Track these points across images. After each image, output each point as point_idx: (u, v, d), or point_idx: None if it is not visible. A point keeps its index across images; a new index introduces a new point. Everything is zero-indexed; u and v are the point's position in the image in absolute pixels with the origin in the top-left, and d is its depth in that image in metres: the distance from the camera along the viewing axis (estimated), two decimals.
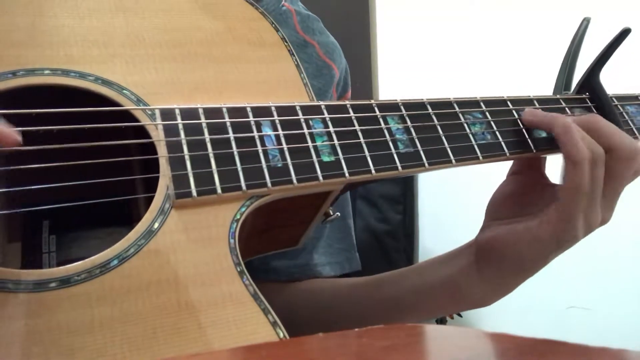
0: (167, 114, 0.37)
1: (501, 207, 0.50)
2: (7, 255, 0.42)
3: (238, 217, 0.36)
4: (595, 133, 0.45)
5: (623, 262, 1.41)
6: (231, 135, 0.38)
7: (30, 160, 0.33)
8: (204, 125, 0.38)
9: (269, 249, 0.49)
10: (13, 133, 0.30)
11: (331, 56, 0.66)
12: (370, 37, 2.02)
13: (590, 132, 0.45)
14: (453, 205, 1.76)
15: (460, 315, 1.71)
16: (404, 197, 1.67)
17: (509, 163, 0.53)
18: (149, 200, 0.36)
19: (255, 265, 0.58)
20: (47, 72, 0.37)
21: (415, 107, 0.45)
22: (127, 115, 0.37)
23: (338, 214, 0.48)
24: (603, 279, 1.44)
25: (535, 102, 0.50)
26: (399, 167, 0.41)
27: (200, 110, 0.38)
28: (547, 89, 0.55)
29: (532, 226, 0.45)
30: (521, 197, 0.50)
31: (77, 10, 0.40)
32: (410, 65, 1.90)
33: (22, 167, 0.32)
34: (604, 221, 0.46)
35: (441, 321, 1.64)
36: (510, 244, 0.46)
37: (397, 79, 1.97)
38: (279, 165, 0.38)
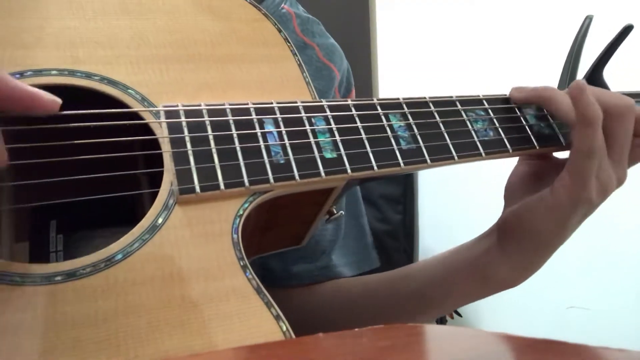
0: (171, 113, 0.38)
1: (517, 188, 0.51)
2: (15, 255, 0.43)
3: (241, 212, 0.36)
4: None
5: (623, 261, 1.39)
6: (234, 132, 0.38)
7: (35, 159, 0.33)
8: (207, 123, 0.38)
9: (274, 247, 0.49)
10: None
11: (331, 58, 0.66)
12: (370, 37, 2.02)
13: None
14: (453, 205, 1.75)
15: (460, 315, 1.70)
16: (404, 197, 1.66)
17: (511, 165, 0.54)
18: (154, 199, 0.36)
19: (277, 274, 0.58)
20: (54, 72, 0.38)
21: (418, 105, 0.45)
22: (132, 114, 0.38)
23: (342, 212, 0.48)
24: (602, 279, 1.43)
25: None
26: (401, 164, 0.42)
27: (204, 109, 0.39)
28: None
29: (545, 195, 0.46)
30: (534, 176, 0.51)
31: (83, 12, 0.41)
32: (410, 65, 1.90)
33: (28, 161, 0.33)
34: (620, 181, 0.47)
35: (441, 321, 1.63)
36: (527, 216, 0.47)
37: (397, 79, 1.97)
38: (282, 161, 0.38)
